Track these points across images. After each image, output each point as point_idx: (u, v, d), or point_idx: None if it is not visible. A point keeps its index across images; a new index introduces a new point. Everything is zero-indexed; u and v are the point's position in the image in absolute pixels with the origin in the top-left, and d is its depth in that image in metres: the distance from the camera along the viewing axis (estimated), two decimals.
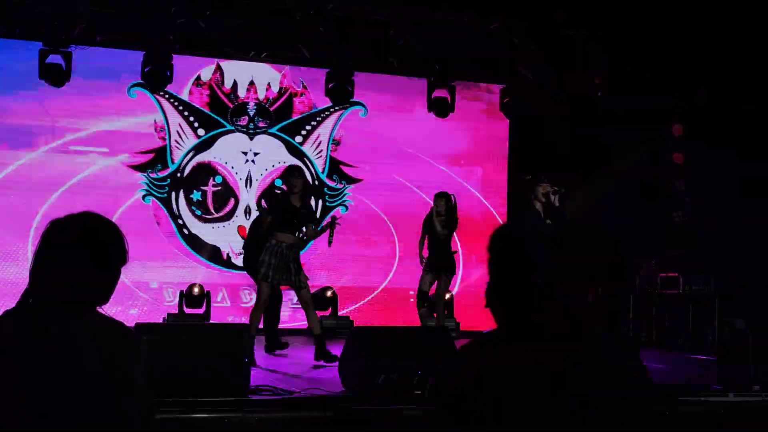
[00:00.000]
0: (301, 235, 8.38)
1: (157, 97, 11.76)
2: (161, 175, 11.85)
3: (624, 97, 11.41)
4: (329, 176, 12.52)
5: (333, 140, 12.60)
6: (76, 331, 2.27)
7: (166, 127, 11.90)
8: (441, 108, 12.31)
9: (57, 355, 2.22)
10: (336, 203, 12.22)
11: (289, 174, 8.52)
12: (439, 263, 9.41)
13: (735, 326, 10.50)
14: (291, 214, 8.20)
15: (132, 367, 2.29)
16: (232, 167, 12.14)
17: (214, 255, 11.90)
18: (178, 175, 11.93)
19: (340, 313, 11.65)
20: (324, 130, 12.58)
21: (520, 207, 12.84)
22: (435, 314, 9.56)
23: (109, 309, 2.47)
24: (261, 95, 12.31)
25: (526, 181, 8.58)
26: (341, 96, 11.77)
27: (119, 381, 2.25)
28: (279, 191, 9.51)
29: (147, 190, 11.79)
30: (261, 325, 8.50)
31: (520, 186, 12.97)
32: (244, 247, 9.80)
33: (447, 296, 11.07)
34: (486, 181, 13.09)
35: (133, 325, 6.26)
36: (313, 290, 11.79)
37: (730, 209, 11.06)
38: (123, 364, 2.28)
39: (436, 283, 9.48)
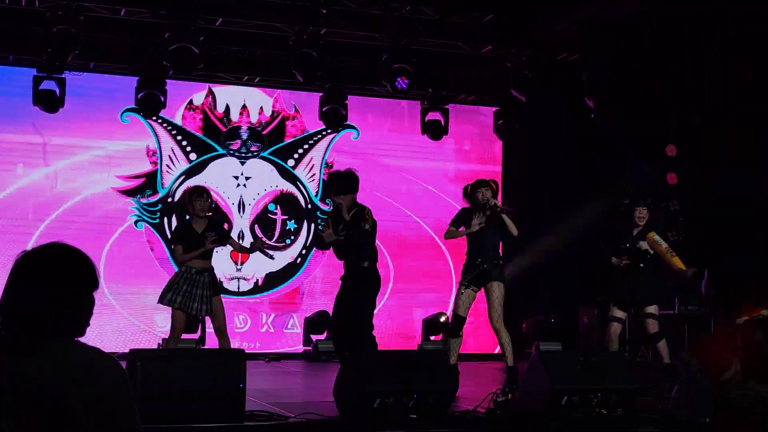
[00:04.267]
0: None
1: (150, 121, 11.73)
2: (152, 200, 11.80)
3: (618, 119, 11.44)
4: (322, 200, 12.45)
5: (325, 163, 12.58)
6: (54, 359, 2.25)
7: (158, 152, 11.86)
8: (434, 131, 12.35)
9: (33, 383, 2.20)
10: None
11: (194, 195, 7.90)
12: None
13: None
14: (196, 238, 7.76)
15: (115, 396, 2.28)
16: (224, 192, 12.09)
17: None
18: (169, 200, 11.87)
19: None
20: (316, 153, 12.57)
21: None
22: None
23: (103, 335, 2.46)
24: (254, 119, 12.30)
25: (624, 204, 8.52)
26: (335, 119, 11.80)
27: (101, 410, 2.23)
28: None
29: (139, 216, 11.74)
30: None
31: (516, 206, 13.00)
32: None
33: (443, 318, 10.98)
34: None
35: (127, 350, 6.22)
36: (310, 314, 11.83)
37: (724, 229, 11.07)
38: (104, 391, 2.26)
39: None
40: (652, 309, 8.27)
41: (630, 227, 8.37)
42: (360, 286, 7.58)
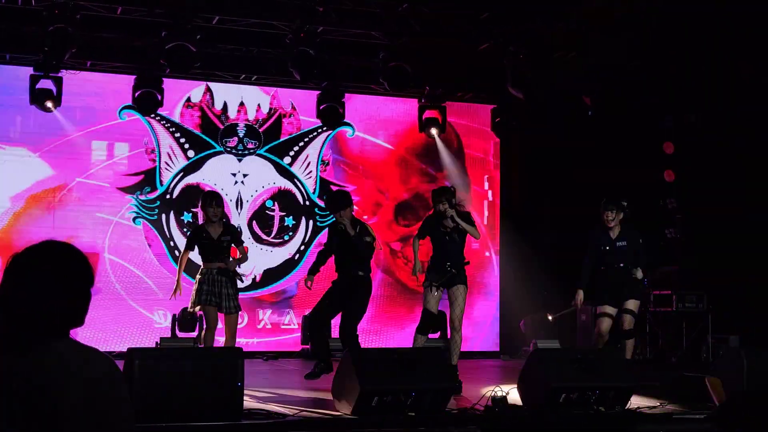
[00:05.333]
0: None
1: (149, 119, 11.69)
2: (150, 197, 11.79)
3: (615, 116, 11.46)
4: (320, 197, 12.41)
5: (322, 160, 12.56)
6: (50, 357, 2.26)
7: (156, 149, 11.85)
8: (432, 128, 12.35)
9: (29, 381, 2.21)
10: (326, 224, 12.06)
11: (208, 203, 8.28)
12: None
13: (729, 343, 10.52)
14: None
15: (111, 395, 2.28)
16: (222, 189, 11.87)
17: None
18: (168, 196, 11.87)
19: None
20: (312, 151, 12.53)
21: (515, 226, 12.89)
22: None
23: (101, 333, 2.46)
24: (251, 116, 12.27)
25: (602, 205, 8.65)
26: (332, 117, 11.79)
27: (98, 409, 2.24)
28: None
29: (137, 213, 11.73)
30: None
31: (513, 205, 13.04)
32: None
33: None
34: (478, 200, 13.09)
35: (125, 349, 6.24)
36: (308, 311, 11.82)
37: (721, 225, 11.09)
38: (101, 391, 2.27)
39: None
40: (632, 305, 8.35)
41: (605, 230, 8.49)
42: (358, 292, 8.07)
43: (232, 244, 8.32)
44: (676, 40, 10.43)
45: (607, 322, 8.37)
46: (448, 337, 8.76)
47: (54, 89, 10.67)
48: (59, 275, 2.34)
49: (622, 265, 8.32)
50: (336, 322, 8.39)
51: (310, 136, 12.55)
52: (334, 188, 12.28)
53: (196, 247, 8.24)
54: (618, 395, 6.72)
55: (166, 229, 11.81)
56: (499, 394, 6.55)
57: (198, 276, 8.13)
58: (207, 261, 8.14)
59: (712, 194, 11.42)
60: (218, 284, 8.06)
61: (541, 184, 12.76)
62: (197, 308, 8.13)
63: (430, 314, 8.12)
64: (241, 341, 11.39)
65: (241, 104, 12.25)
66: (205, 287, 8.03)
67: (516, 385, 6.85)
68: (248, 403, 6.26)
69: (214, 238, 8.13)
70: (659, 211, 12.13)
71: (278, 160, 12.39)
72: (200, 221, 8.60)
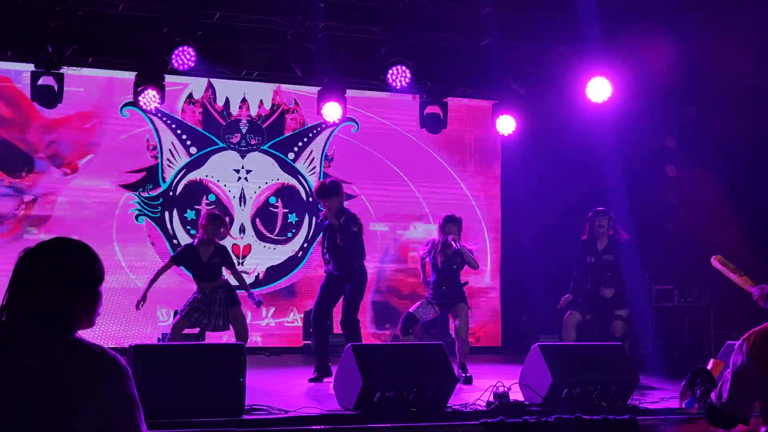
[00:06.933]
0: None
1: (150, 115, 11.69)
2: (153, 194, 11.79)
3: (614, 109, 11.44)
4: None
5: (326, 156, 12.57)
6: (58, 356, 2.26)
7: (158, 146, 11.86)
8: (433, 124, 12.33)
9: (38, 381, 2.21)
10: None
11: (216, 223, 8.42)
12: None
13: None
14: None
15: (119, 392, 2.29)
16: (225, 185, 12.10)
17: None
18: (170, 193, 11.88)
19: (334, 331, 11.60)
20: (316, 147, 12.55)
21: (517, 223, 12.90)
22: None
23: (104, 329, 2.46)
24: (253, 112, 12.29)
25: (590, 215, 8.71)
26: (334, 114, 11.77)
27: (106, 407, 2.24)
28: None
29: (140, 210, 11.73)
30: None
31: (515, 200, 13.04)
32: None
33: None
34: (480, 196, 13.08)
35: (128, 345, 6.26)
36: (308, 308, 11.83)
37: (723, 220, 11.08)
38: (109, 388, 2.27)
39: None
40: (622, 312, 8.38)
41: (592, 241, 8.53)
42: (353, 283, 8.37)
43: (223, 266, 8.43)
44: (674, 32, 10.41)
45: (575, 315, 8.51)
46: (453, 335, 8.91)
47: (55, 86, 10.65)
48: (67, 273, 2.34)
49: (609, 274, 8.41)
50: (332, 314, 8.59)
51: (314, 131, 12.55)
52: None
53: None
54: (620, 390, 6.73)
55: (169, 227, 11.81)
56: (501, 389, 6.57)
57: (195, 296, 8.31)
58: (198, 281, 8.33)
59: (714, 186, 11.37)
60: (210, 302, 8.19)
61: (544, 180, 12.74)
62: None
63: (413, 317, 8.47)
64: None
65: (243, 100, 12.25)
66: (196, 306, 8.18)
67: (518, 381, 6.86)
68: (250, 398, 6.27)
69: (203, 261, 8.28)
70: (661, 206, 12.12)
71: (282, 155, 12.38)
72: (203, 218, 8.64)
